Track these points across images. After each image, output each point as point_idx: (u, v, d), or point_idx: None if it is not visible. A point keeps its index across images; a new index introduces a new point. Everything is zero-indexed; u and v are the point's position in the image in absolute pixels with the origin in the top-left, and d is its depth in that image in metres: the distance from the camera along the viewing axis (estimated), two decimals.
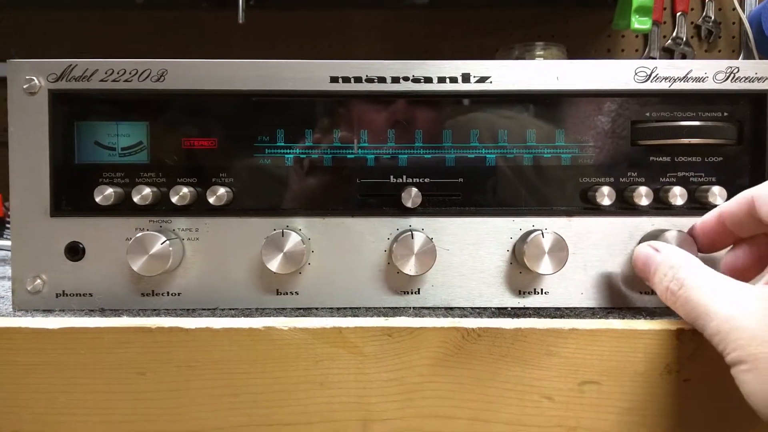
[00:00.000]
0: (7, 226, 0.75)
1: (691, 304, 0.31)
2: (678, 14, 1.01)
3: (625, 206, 0.40)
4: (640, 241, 0.39)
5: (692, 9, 1.02)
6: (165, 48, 1.01)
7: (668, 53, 1.02)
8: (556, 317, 0.37)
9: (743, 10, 0.99)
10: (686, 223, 0.40)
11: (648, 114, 0.40)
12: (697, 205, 0.40)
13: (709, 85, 0.39)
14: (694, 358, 0.34)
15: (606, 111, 0.40)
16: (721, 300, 0.30)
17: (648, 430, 0.34)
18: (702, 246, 0.37)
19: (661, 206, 0.40)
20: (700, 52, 1.02)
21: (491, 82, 0.39)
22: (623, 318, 0.37)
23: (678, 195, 0.39)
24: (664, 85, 0.39)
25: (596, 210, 0.40)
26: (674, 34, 1.02)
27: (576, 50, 0.99)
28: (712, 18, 1.02)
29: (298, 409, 0.34)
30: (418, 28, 1.02)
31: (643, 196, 0.39)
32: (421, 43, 1.02)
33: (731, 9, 1.02)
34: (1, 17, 1.00)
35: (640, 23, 0.84)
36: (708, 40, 1.03)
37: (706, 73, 0.39)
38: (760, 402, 0.27)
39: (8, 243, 0.64)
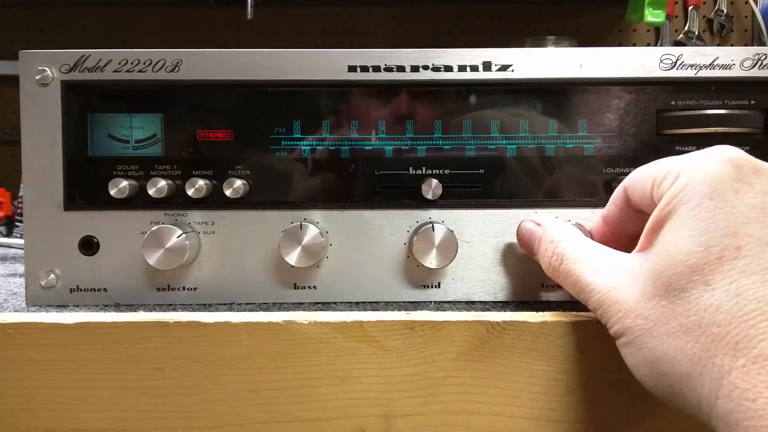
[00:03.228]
0: (17, 223, 0.75)
1: (573, 278, 0.31)
2: (690, 8, 1.00)
3: None
4: None
5: (704, 2, 1.01)
6: (173, 45, 1.01)
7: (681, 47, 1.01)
8: (581, 311, 0.36)
9: (756, 3, 0.98)
10: None
11: (673, 102, 0.39)
12: None
13: (735, 72, 0.38)
14: None
15: (630, 100, 0.39)
16: (599, 273, 0.30)
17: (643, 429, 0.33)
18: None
19: None
20: (712, 46, 1.01)
21: (513, 71, 0.38)
22: None
23: None
24: (689, 73, 0.38)
25: None
26: (686, 28, 1.01)
27: (587, 45, 0.98)
28: (725, 11, 1.01)
29: (319, 405, 0.33)
30: (428, 24, 1.02)
31: None
32: (431, 39, 1.01)
33: (743, 2, 1.01)
34: (9, 15, 1.00)
35: (653, 16, 0.83)
36: (720, 34, 1.02)
37: (733, 60, 0.38)
38: (641, 374, 0.27)
39: (18, 240, 0.64)
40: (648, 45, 1.02)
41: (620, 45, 1.02)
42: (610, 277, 0.29)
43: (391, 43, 1.01)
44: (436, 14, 1.01)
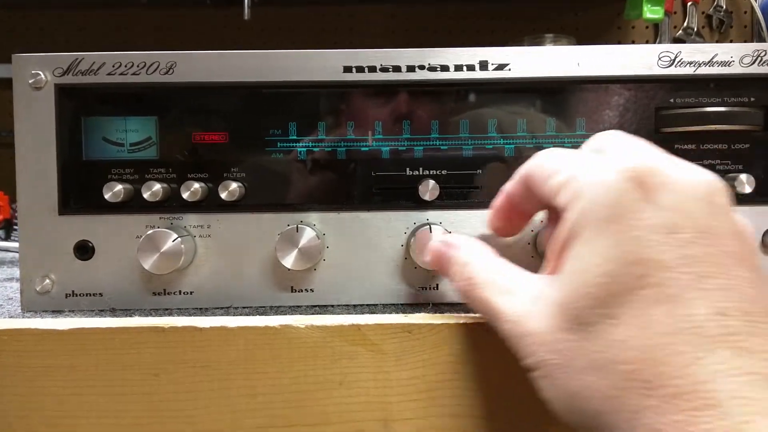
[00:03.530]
0: (15, 227, 0.75)
1: (483, 305, 0.29)
2: (689, 4, 0.99)
3: None
4: None
5: None
6: (170, 46, 1.00)
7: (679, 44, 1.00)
8: None
9: None
10: None
11: (672, 100, 0.39)
12: None
13: (735, 69, 0.38)
14: None
15: (629, 98, 0.39)
16: (509, 300, 0.27)
17: None
18: (498, 229, 0.34)
19: None
20: (711, 42, 1.01)
21: (510, 70, 0.38)
22: None
23: None
24: (688, 70, 0.38)
25: None
26: (685, 24, 1.00)
27: (586, 43, 0.98)
28: (724, 7, 1.00)
29: (316, 410, 0.33)
30: (426, 23, 1.01)
31: None
32: (430, 38, 1.00)
33: None
34: (6, 16, 1.00)
35: (652, 12, 0.82)
36: (719, 30, 1.01)
37: (732, 57, 0.38)
38: (558, 408, 0.25)
39: (15, 244, 0.64)
40: (647, 42, 1.01)
41: (619, 42, 1.01)
42: (521, 305, 0.27)
43: (391, 42, 1.01)
44: (435, 14, 1.01)
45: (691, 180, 0.25)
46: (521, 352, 0.26)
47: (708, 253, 0.23)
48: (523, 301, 0.27)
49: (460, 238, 0.33)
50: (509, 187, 0.32)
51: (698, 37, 1.00)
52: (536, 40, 0.88)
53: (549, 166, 0.28)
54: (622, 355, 0.23)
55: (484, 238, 0.33)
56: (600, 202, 0.25)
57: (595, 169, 0.26)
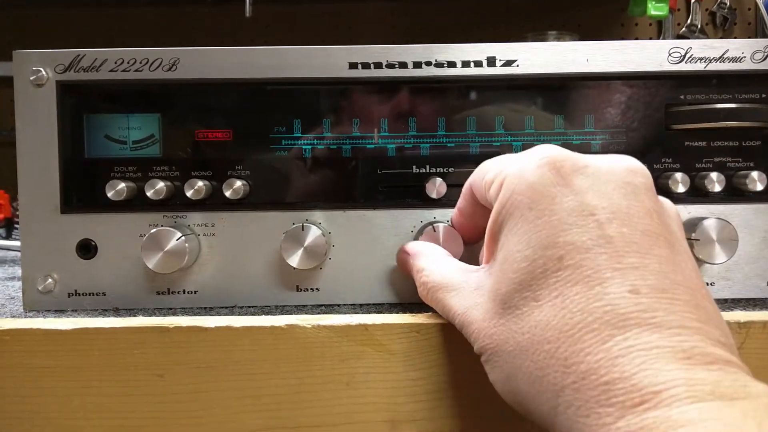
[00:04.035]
0: (16, 226, 0.74)
1: (439, 305, 0.31)
2: (693, 1, 0.99)
3: (659, 194, 0.38)
4: None
5: None
6: (170, 43, 1.00)
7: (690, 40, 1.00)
8: None
9: None
10: (723, 210, 0.38)
11: (682, 97, 0.38)
12: (735, 191, 0.38)
13: (746, 65, 0.38)
14: (742, 353, 0.32)
15: (638, 94, 0.38)
16: (458, 296, 0.29)
17: None
18: (464, 240, 0.36)
19: (697, 193, 0.38)
20: (722, 39, 1.00)
21: (518, 66, 0.37)
22: None
23: (715, 181, 0.37)
24: (699, 66, 0.38)
25: None
26: (689, 21, 1.00)
27: (589, 39, 0.98)
28: (727, 4, 1.00)
29: (323, 411, 0.32)
30: (428, 20, 1.01)
31: (679, 182, 0.37)
32: (431, 34, 1.00)
33: None
34: (4, 15, 0.99)
35: (657, 9, 0.82)
36: (723, 27, 1.01)
37: (743, 53, 0.37)
38: (500, 391, 0.27)
39: (17, 243, 0.63)
40: (650, 39, 1.01)
41: (622, 39, 1.01)
42: (465, 300, 0.29)
43: (392, 39, 1.00)
44: (435, 11, 1.00)
45: (607, 163, 0.26)
46: (470, 340, 0.28)
47: (622, 233, 0.24)
48: (467, 295, 0.29)
49: (418, 245, 0.35)
50: (459, 202, 0.34)
51: (702, 34, 0.99)
52: (539, 36, 0.88)
53: (484, 170, 0.30)
54: (543, 335, 0.24)
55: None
56: (520, 191, 0.26)
57: (517, 163, 0.27)
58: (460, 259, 0.34)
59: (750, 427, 0.19)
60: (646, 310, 0.22)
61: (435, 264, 0.32)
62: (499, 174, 0.28)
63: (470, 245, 0.36)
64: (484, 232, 0.31)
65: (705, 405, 0.20)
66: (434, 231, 0.36)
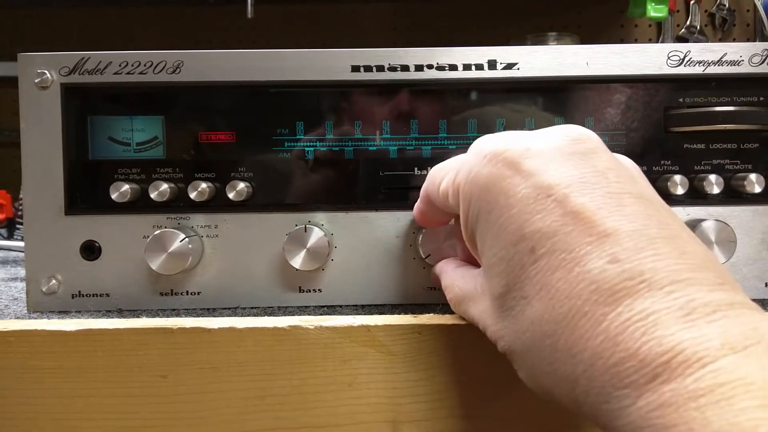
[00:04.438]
0: (17, 226, 0.75)
1: (466, 317, 0.31)
2: (692, 2, 0.99)
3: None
4: None
5: None
6: (172, 45, 1.00)
7: (682, 43, 1.00)
8: None
9: None
10: (722, 212, 0.38)
11: (681, 100, 0.39)
12: (734, 193, 0.38)
13: (744, 68, 0.38)
14: None
15: (638, 97, 0.39)
16: (473, 305, 0.29)
17: None
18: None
19: (696, 195, 0.38)
20: (714, 41, 1.01)
21: (518, 69, 0.38)
22: None
23: (714, 183, 0.38)
24: (698, 70, 0.38)
25: None
26: (688, 22, 1.00)
27: (589, 41, 0.98)
28: (726, 6, 1.00)
29: (325, 411, 0.32)
30: (429, 21, 1.01)
31: (678, 184, 0.37)
32: (433, 35, 1.00)
33: None
34: (7, 15, 0.99)
35: (656, 11, 0.82)
36: (722, 29, 1.01)
37: (742, 56, 0.38)
38: (530, 387, 0.26)
39: (19, 243, 0.64)
40: (650, 40, 1.01)
41: (622, 40, 1.01)
42: (477, 306, 0.29)
43: (394, 39, 1.00)
44: (436, 12, 1.01)
45: (549, 139, 0.25)
46: (498, 345, 0.27)
47: (584, 203, 0.23)
48: (479, 300, 0.29)
49: (439, 265, 0.36)
50: (418, 204, 0.34)
51: (701, 35, 1.00)
52: (539, 38, 0.88)
53: (436, 177, 0.30)
54: (541, 330, 0.23)
55: None
56: (476, 195, 0.26)
57: (466, 165, 0.27)
58: None
59: None
60: (632, 277, 0.21)
61: (451, 279, 0.33)
62: (452, 181, 0.28)
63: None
64: (449, 220, 0.32)
65: (718, 364, 0.18)
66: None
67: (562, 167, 0.24)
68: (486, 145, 0.26)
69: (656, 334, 0.20)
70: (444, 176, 0.29)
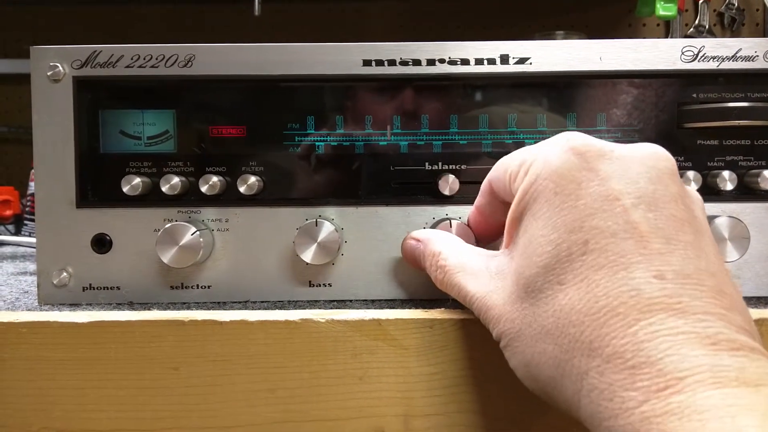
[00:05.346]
0: (25, 222, 0.75)
1: (456, 288, 0.30)
2: (701, 2, 0.99)
3: None
4: None
5: None
6: (177, 42, 1.00)
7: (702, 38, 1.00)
8: None
9: None
10: (735, 209, 0.38)
11: (695, 95, 0.38)
12: (747, 190, 0.38)
13: (759, 64, 0.38)
14: None
15: (651, 93, 0.38)
16: (477, 280, 0.29)
17: None
18: (478, 238, 0.36)
19: (709, 191, 0.38)
20: (735, 38, 1.00)
21: (531, 64, 0.38)
22: None
23: (727, 180, 0.37)
24: (712, 65, 0.38)
25: None
26: (697, 21, 1.00)
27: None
28: (735, 5, 1.00)
29: (336, 405, 0.32)
30: (437, 20, 1.01)
31: (691, 181, 0.37)
32: (440, 34, 1.00)
33: None
34: (13, 12, 1.00)
35: (665, 10, 0.82)
36: (731, 28, 1.01)
37: (756, 51, 0.38)
38: (520, 376, 0.27)
39: (27, 239, 0.64)
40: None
41: None
42: (485, 284, 0.29)
43: (401, 38, 1.00)
44: (443, 10, 1.00)
45: (632, 149, 0.26)
46: (488, 325, 0.28)
47: (648, 219, 0.24)
48: (487, 279, 0.29)
49: (429, 232, 0.35)
50: (477, 200, 0.34)
51: (710, 35, 0.99)
52: (547, 36, 0.88)
53: (505, 164, 0.30)
54: (569, 318, 0.24)
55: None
56: (545, 175, 0.26)
57: (542, 151, 0.27)
58: None
59: None
60: (671, 296, 0.22)
61: (452, 247, 0.32)
62: (524, 163, 0.28)
63: (485, 244, 0.36)
64: (502, 231, 0.31)
65: (729, 391, 0.20)
66: (449, 226, 0.36)
67: (637, 178, 0.25)
68: (570, 137, 0.27)
69: (681, 351, 0.21)
70: (513, 161, 0.29)
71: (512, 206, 0.28)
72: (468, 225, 0.36)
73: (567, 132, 0.28)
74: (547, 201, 0.26)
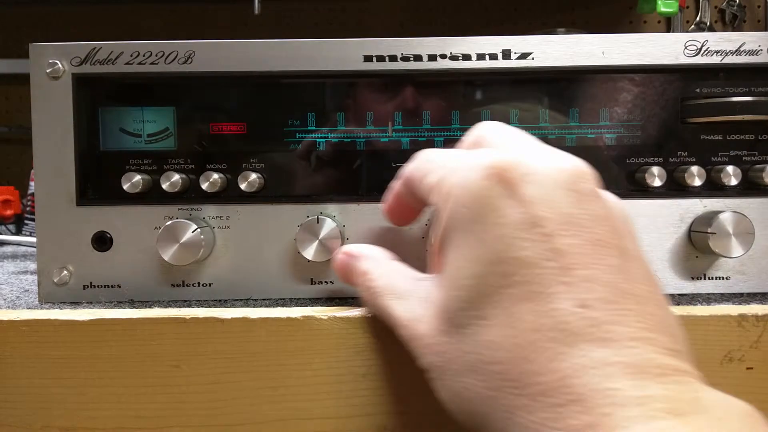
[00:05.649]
0: (26, 222, 0.75)
1: (382, 312, 0.29)
2: None
3: (675, 187, 0.38)
4: (692, 224, 0.38)
5: None
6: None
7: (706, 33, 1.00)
8: None
9: None
10: (740, 204, 0.38)
11: (698, 90, 0.38)
12: (751, 185, 0.38)
13: (763, 58, 0.37)
14: (759, 346, 0.32)
15: (654, 88, 0.38)
16: (404, 305, 0.28)
17: None
18: (392, 221, 0.35)
19: (713, 187, 0.38)
20: (738, 32, 1.00)
21: (533, 59, 0.37)
22: (678, 304, 0.35)
23: (731, 175, 0.37)
24: (715, 59, 0.37)
25: (645, 192, 0.38)
26: (698, 18, 0.99)
27: None
28: (737, 1, 1.00)
29: (340, 402, 0.32)
30: (438, 17, 1.01)
31: (695, 176, 0.37)
32: (441, 31, 1.00)
33: None
34: (13, 12, 1.00)
35: (666, 6, 0.82)
36: (732, 25, 1.00)
37: (760, 45, 0.37)
38: (449, 409, 0.25)
39: (27, 238, 0.64)
40: None
41: None
42: (412, 309, 0.27)
43: (399, 35, 1.00)
44: (442, 9, 1.00)
45: (553, 169, 0.25)
46: (415, 354, 0.27)
47: (571, 245, 0.23)
48: (414, 305, 0.27)
49: (361, 247, 0.33)
50: (396, 186, 0.32)
51: (711, 31, 0.99)
52: (548, 34, 0.87)
53: (423, 168, 0.29)
54: (493, 356, 0.23)
55: (383, 231, 0.36)
56: (464, 203, 0.25)
57: (461, 170, 0.26)
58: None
59: None
60: (595, 324, 0.22)
61: (381, 267, 0.31)
62: (441, 181, 0.27)
63: (401, 225, 0.36)
64: (417, 215, 0.30)
65: (657, 424, 0.19)
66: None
67: (559, 202, 0.24)
68: (489, 157, 0.25)
69: (606, 385, 0.20)
70: (433, 170, 0.28)
71: (437, 232, 0.27)
72: (386, 210, 0.34)
73: (486, 149, 0.27)
74: (466, 231, 0.25)
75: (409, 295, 0.28)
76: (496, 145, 0.27)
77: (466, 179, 0.25)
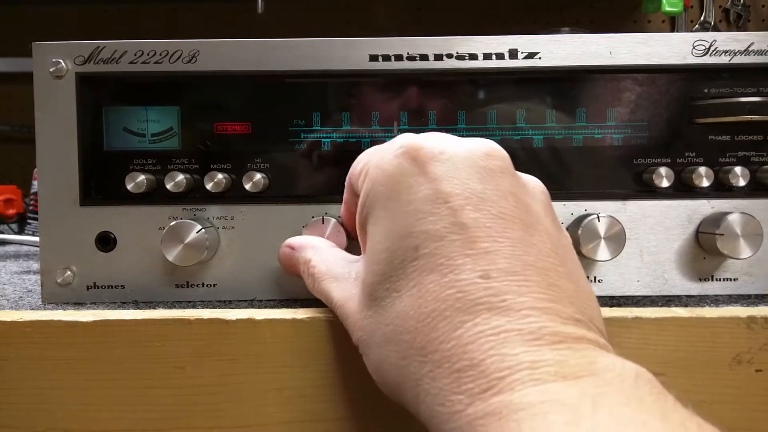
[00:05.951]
0: (28, 221, 0.74)
1: (324, 295, 0.31)
2: None
3: (683, 188, 0.38)
4: (700, 225, 0.37)
5: None
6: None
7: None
8: (611, 306, 0.35)
9: None
10: (747, 205, 0.37)
11: (706, 90, 0.38)
12: (760, 186, 0.38)
13: None
14: None
15: (661, 87, 0.38)
16: (338, 287, 0.30)
17: (717, 424, 0.32)
18: (351, 234, 0.36)
19: (720, 188, 0.38)
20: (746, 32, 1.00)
21: (540, 58, 0.37)
22: (686, 306, 0.35)
23: (739, 175, 0.37)
24: (723, 59, 0.37)
25: (652, 193, 0.38)
26: (702, 18, 0.99)
27: None
28: (741, 1, 0.99)
29: (346, 404, 0.32)
30: (441, 15, 1.00)
31: (703, 177, 0.37)
32: (445, 29, 1.00)
33: None
34: (16, 11, 1.00)
35: (671, 5, 0.81)
36: (737, 24, 1.00)
37: None
38: (375, 380, 0.26)
39: (30, 238, 0.63)
40: None
41: None
42: (346, 290, 0.29)
43: (406, 35, 1.00)
44: (447, 8, 1.00)
45: (463, 149, 0.26)
46: (349, 332, 0.28)
47: (476, 218, 0.24)
48: (348, 285, 0.29)
49: (302, 238, 0.35)
50: (344, 195, 0.34)
51: (715, 31, 0.99)
52: (552, 33, 0.87)
53: (355, 165, 0.30)
54: (404, 325, 0.24)
55: None
56: (380, 182, 0.27)
57: (378, 153, 0.28)
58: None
59: (585, 404, 0.19)
60: (495, 294, 0.22)
61: (321, 254, 0.33)
62: (365, 166, 0.28)
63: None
64: None
65: (546, 387, 0.20)
66: (322, 222, 0.36)
67: (466, 178, 0.25)
68: (404, 141, 0.27)
69: (502, 351, 0.21)
70: (361, 161, 0.30)
71: (357, 213, 0.28)
72: (341, 221, 0.36)
73: (403, 134, 0.28)
74: (382, 208, 0.26)
75: (344, 276, 0.30)
76: (407, 135, 0.28)
77: (381, 159, 0.27)
